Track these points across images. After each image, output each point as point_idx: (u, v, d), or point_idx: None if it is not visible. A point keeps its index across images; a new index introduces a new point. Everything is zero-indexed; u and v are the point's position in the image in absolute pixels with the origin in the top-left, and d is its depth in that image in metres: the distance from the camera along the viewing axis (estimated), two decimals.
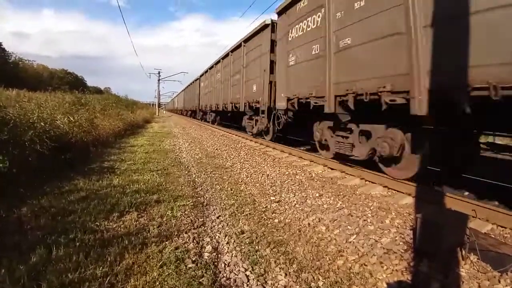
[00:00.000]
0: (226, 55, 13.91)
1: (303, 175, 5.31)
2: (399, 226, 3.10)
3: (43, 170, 4.85)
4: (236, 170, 6.12)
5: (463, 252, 2.48)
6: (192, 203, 4.05)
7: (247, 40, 10.97)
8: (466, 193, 4.53)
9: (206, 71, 19.62)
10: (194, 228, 3.31)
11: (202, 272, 2.44)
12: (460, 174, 5.19)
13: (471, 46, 3.03)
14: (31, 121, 5.46)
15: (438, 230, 2.52)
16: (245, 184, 5.13)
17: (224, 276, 2.44)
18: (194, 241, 3.00)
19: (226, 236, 3.16)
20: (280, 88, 7.73)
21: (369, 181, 4.76)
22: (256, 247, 2.90)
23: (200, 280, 2.32)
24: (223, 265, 2.61)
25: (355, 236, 3.02)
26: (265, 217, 3.67)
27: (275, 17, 8.25)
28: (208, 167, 6.42)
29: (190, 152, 8.52)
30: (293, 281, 2.38)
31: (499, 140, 7.85)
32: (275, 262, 2.65)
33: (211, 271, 2.47)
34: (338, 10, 5.07)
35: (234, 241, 3.03)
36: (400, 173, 4.56)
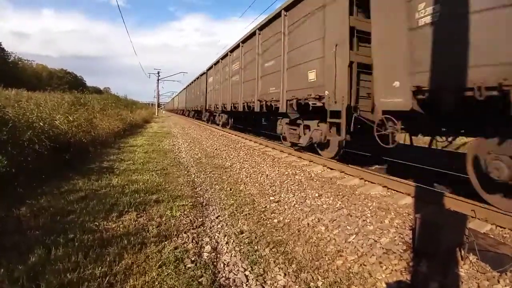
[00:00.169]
0: (250, 36, 10.19)
1: (302, 175, 5.30)
2: (398, 226, 3.10)
3: (42, 170, 4.84)
4: (236, 170, 6.12)
5: (462, 252, 2.48)
6: (191, 203, 4.05)
7: (293, 4, 6.89)
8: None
9: (217, 63, 15.71)
10: (193, 228, 3.31)
11: (201, 272, 2.43)
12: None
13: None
14: (30, 121, 5.45)
15: (437, 230, 2.52)
16: (244, 184, 5.13)
17: (223, 276, 2.44)
18: (193, 241, 3.00)
19: (225, 236, 3.16)
20: (389, 73, 4.26)
21: (369, 181, 4.75)
22: (255, 247, 2.90)
23: (199, 280, 2.32)
24: (222, 265, 2.61)
25: (354, 236, 3.02)
26: (264, 217, 3.67)
27: None
28: (208, 167, 6.42)
29: (190, 152, 8.52)
30: (292, 281, 2.38)
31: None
32: (274, 262, 2.65)
33: (210, 271, 2.47)
34: None
35: (233, 241, 3.03)
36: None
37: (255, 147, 8.83)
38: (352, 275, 2.44)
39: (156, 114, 41.05)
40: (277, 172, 5.65)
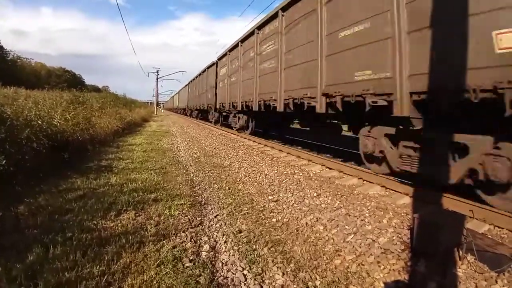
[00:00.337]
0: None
1: (301, 174, 5.31)
2: (397, 226, 3.10)
3: (40, 169, 4.83)
4: (234, 169, 6.12)
5: (460, 252, 2.49)
6: (190, 202, 4.05)
7: None
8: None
9: (234, 48, 11.59)
10: (191, 227, 3.31)
11: (199, 271, 2.44)
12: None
13: None
14: (28, 119, 5.44)
15: (436, 230, 2.52)
16: (243, 183, 5.13)
17: (221, 275, 2.44)
18: (192, 240, 3.00)
19: (223, 235, 3.16)
20: None
21: (367, 181, 4.76)
22: (254, 246, 2.90)
23: (198, 279, 2.32)
24: (220, 264, 2.61)
25: (352, 235, 3.03)
26: (263, 217, 3.67)
27: None
28: (206, 166, 6.42)
29: (188, 151, 8.51)
30: (291, 281, 2.38)
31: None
32: (272, 261, 2.65)
33: (209, 270, 2.48)
34: None
35: (232, 240, 3.03)
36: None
37: (254, 146, 8.83)
38: (350, 274, 2.44)
39: (155, 113, 40.99)
40: (275, 171, 5.65)
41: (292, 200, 4.13)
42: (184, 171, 6.04)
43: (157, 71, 47.36)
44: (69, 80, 71.60)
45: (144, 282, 2.23)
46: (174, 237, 3.02)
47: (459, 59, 3.05)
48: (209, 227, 3.39)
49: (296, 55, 6.44)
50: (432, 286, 2.21)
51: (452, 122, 3.54)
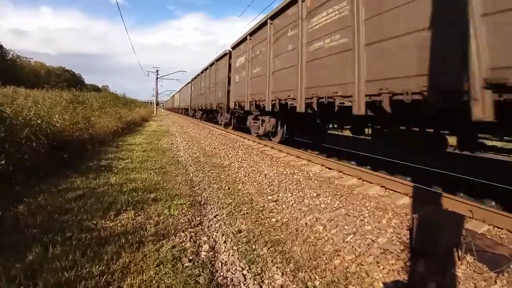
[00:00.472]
0: None
1: (300, 174, 5.31)
2: (396, 226, 3.10)
3: (39, 168, 4.83)
4: (234, 169, 6.12)
5: (460, 252, 2.49)
6: (189, 202, 4.05)
7: None
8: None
9: (256, 31, 8.98)
10: (191, 227, 3.31)
11: (199, 271, 2.44)
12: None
13: None
14: (27, 118, 5.43)
15: (435, 231, 2.52)
16: (242, 183, 5.13)
17: (221, 275, 2.44)
18: (191, 240, 3.00)
19: (223, 235, 3.16)
20: None
21: (367, 181, 4.76)
22: (253, 246, 2.90)
23: (197, 279, 2.32)
24: (220, 264, 2.61)
25: (352, 235, 3.03)
26: (262, 217, 3.67)
27: None
28: (206, 166, 6.42)
29: (188, 151, 8.51)
30: (290, 281, 2.38)
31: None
32: (272, 261, 2.65)
33: (208, 270, 2.47)
34: None
35: (231, 240, 3.03)
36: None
37: (253, 146, 8.82)
38: (349, 274, 2.44)
39: (155, 112, 40.98)
40: (275, 171, 5.65)
41: (291, 200, 4.13)
42: (184, 171, 6.04)
43: (157, 71, 47.34)
44: (68, 80, 71.53)
45: (144, 282, 2.23)
46: (173, 237, 3.02)
47: None
48: (208, 227, 3.39)
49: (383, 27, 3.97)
50: (432, 286, 2.21)
51: None
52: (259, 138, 9.67)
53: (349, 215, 3.47)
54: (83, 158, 6.58)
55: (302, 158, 6.70)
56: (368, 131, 5.96)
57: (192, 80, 25.24)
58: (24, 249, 2.55)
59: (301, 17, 6.06)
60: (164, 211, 3.65)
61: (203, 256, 2.71)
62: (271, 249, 2.87)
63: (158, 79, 47.63)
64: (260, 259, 2.68)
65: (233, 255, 2.75)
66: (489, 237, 2.79)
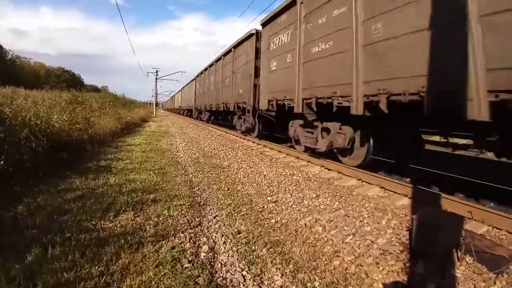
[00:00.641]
0: None
1: (300, 175, 5.31)
2: (395, 227, 3.11)
3: (39, 169, 4.83)
4: (233, 170, 6.11)
5: (459, 253, 2.49)
6: (189, 203, 4.05)
7: None
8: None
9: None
10: (190, 228, 3.30)
11: (198, 272, 2.43)
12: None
13: None
14: (27, 119, 5.43)
15: (434, 231, 2.53)
16: (242, 184, 5.13)
17: (220, 276, 2.44)
18: (191, 240, 3.00)
19: (222, 236, 3.16)
20: None
21: (366, 182, 4.76)
22: (253, 247, 2.90)
23: (196, 280, 2.32)
24: (219, 265, 2.61)
25: (351, 236, 3.03)
26: (262, 217, 3.67)
27: None
28: (205, 167, 6.41)
29: (187, 152, 8.51)
30: (289, 281, 2.38)
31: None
32: (271, 262, 2.65)
33: (208, 271, 2.47)
34: None
35: (231, 241, 3.03)
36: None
37: (253, 147, 8.83)
38: (349, 275, 2.45)
39: (154, 113, 40.96)
40: (275, 172, 5.65)
41: (291, 201, 4.13)
42: (183, 171, 6.04)
43: (156, 71, 47.33)
44: (68, 80, 71.49)
45: (143, 283, 2.22)
46: (173, 237, 3.02)
47: None
48: (208, 227, 3.38)
49: None
50: (431, 287, 2.21)
51: None
52: (310, 155, 6.67)
53: (348, 216, 3.47)
54: (83, 158, 6.57)
55: (302, 159, 6.70)
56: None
57: (197, 76, 21.38)
58: (24, 249, 2.54)
59: None
60: (164, 212, 3.65)
61: (202, 257, 2.71)
62: (270, 250, 2.87)
63: (157, 80, 47.65)
64: (259, 260, 2.67)
65: (232, 256, 2.75)
66: (489, 238, 2.79)
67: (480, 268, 2.37)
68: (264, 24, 8.23)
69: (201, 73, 19.42)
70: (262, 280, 2.40)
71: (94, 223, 3.19)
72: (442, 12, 3.30)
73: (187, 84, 29.21)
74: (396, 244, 2.79)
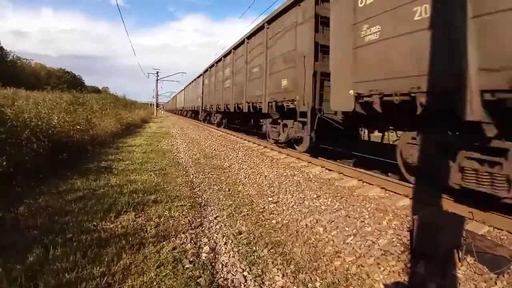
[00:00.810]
0: None
1: (301, 176, 5.31)
2: (396, 227, 3.11)
3: (40, 170, 4.84)
4: (234, 171, 6.12)
5: (460, 253, 2.49)
6: (189, 204, 4.05)
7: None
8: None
9: None
10: (191, 229, 3.30)
11: (199, 272, 2.43)
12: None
13: None
14: (28, 119, 5.44)
15: (435, 232, 2.53)
16: (243, 185, 5.13)
17: (221, 277, 2.44)
18: (192, 241, 3.00)
19: (223, 236, 3.16)
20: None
21: (367, 183, 4.76)
22: (254, 248, 2.90)
23: (198, 281, 2.32)
24: (220, 265, 2.61)
25: (352, 237, 3.03)
26: (262, 218, 3.67)
27: None
28: (206, 168, 6.42)
29: (188, 153, 8.51)
30: (291, 282, 2.38)
31: None
32: (272, 263, 2.65)
33: (209, 271, 2.47)
34: None
35: (232, 242, 3.03)
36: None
37: (253, 148, 8.83)
38: (350, 276, 2.44)
39: (155, 114, 40.99)
40: (275, 173, 5.66)
41: (292, 202, 4.13)
42: (184, 172, 6.04)
43: (157, 72, 47.42)
44: (69, 81, 71.66)
45: (144, 284, 2.23)
46: (174, 238, 3.02)
47: None
48: (209, 228, 3.38)
49: None
50: None
51: None
52: None
53: (349, 217, 3.47)
54: (84, 159, 6.58)
55: (302, 160, 6.70)
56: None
57: (205, 71, 18.24)
58: (25, 250, 2.55)
59: None
60: (165, 213, 3.66)
61: (203, 258, 2.71)
62: (271, 250, 2.87)
63: (158, 81, 47.71)
64: (260, 261, 2.67)
65: (233, 257, 2.75)
66: (489, 238, 2.79)
67: (481, 268, 2.37)
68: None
69: (212, 66, 15.96)
70: (263, 280, 2.40)
71: (95, 223, 3.19)
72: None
73: (192, 81, 25.47)
74: (397, 244, 2.79)
